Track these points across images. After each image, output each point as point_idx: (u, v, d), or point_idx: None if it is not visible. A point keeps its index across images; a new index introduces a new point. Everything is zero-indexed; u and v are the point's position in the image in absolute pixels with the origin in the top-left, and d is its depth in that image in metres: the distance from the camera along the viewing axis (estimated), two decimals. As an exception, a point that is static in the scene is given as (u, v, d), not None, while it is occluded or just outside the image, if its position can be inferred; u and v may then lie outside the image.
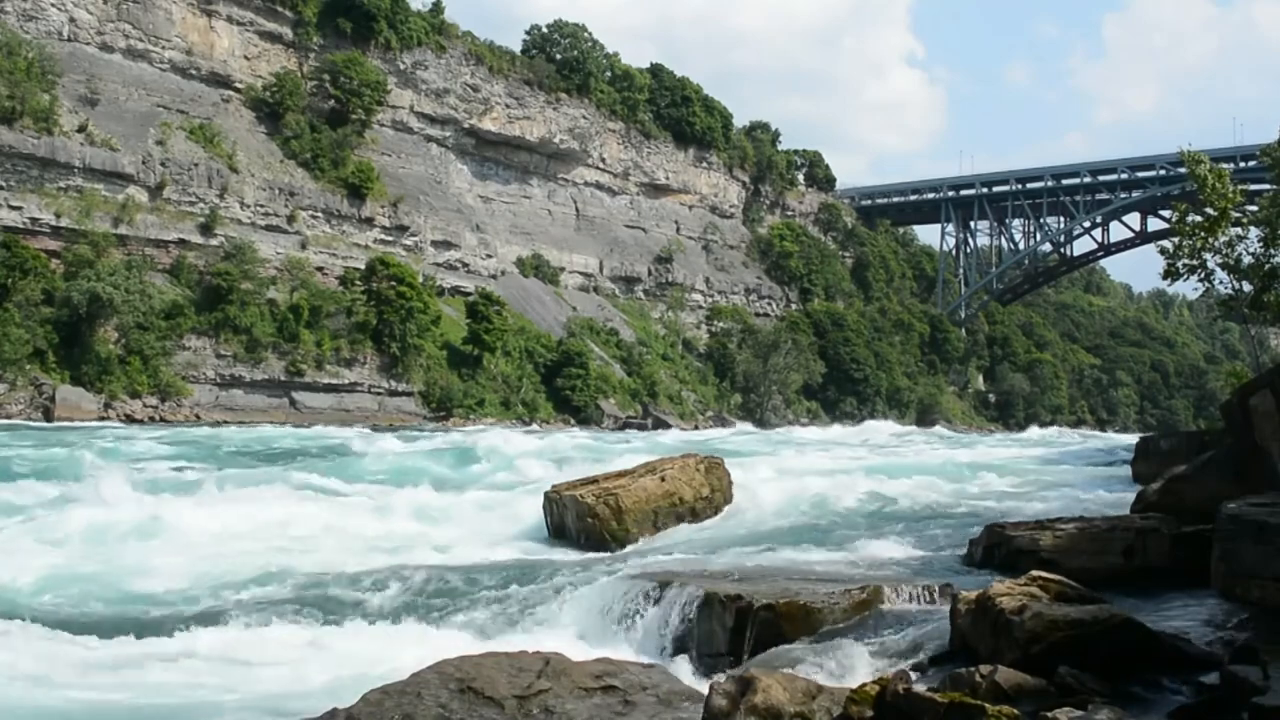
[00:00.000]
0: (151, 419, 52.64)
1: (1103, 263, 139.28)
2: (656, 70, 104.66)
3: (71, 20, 62.90)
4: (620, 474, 16.68)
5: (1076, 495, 19.22)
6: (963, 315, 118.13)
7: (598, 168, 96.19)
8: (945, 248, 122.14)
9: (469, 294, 77.03)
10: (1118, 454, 33.68)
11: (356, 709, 7.79)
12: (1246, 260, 25.03)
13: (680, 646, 9.44)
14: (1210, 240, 24.76)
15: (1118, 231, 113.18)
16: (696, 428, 74.66)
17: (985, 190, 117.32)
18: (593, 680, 8.43)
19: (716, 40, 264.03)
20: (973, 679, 6.84)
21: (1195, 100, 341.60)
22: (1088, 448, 43.73)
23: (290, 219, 68.22)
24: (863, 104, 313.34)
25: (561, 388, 75.22)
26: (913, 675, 7.44)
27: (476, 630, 10.52)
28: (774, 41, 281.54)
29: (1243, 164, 64.71)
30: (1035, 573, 8.77)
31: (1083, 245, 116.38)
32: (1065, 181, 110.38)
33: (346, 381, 64.93)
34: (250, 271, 61.50)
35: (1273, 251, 24.57)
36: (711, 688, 7.22)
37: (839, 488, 20.62)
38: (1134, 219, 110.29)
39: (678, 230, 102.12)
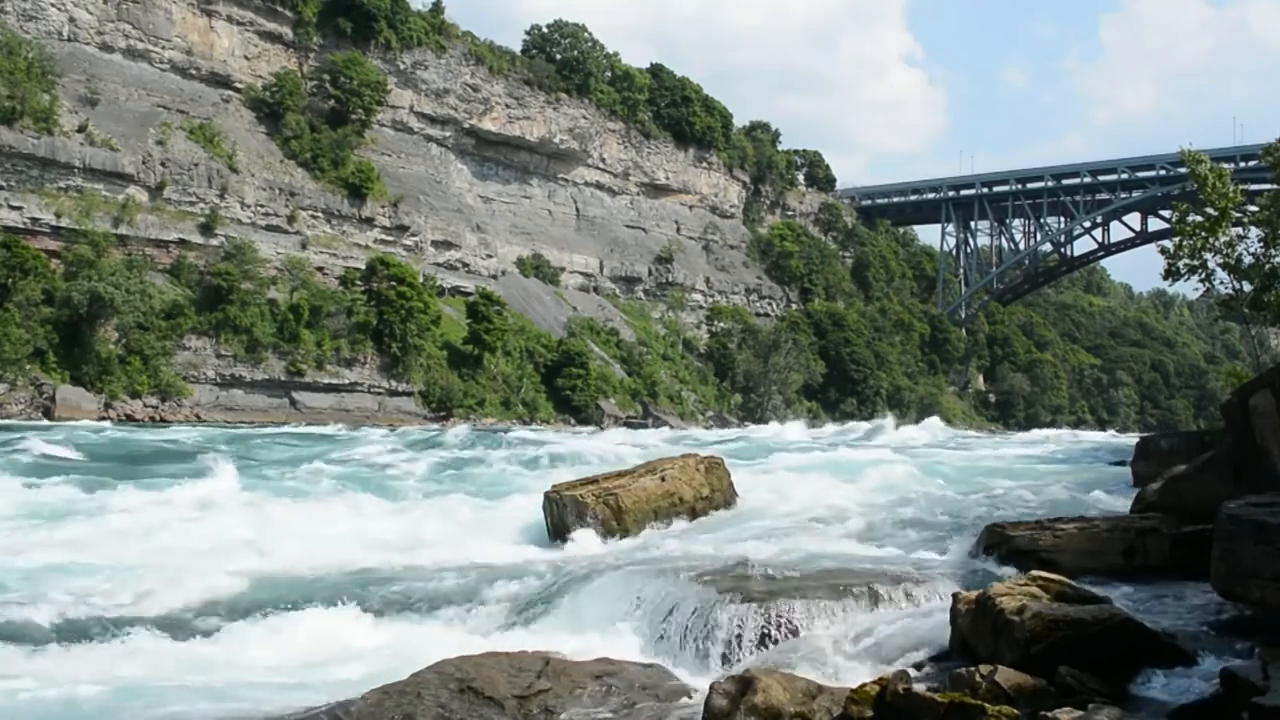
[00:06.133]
0: (151, 419, 52.65)
1: (1103, 263, 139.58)
2: (656, 70, 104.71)
3: (71, 20, 62.91)
4: (620, 474, 16.66)
5: (1076, 495, 19.20)
6: (963, 315, 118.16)
7: (598, 168, 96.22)
8: (945, 248, 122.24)
9: (469, 294, 77.05)
10: (1115, 453, 33.71)
11: (356, 708, 7.79)
12: (1247, 260, 25.05)
13: (680, 645, 9.44)
14: (1210, 240, 24.77)
15: (1118, 231, 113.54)
16: (708, 428, 74.54)
17: (985, 190, 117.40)
18: (592, 680, 8.43)
19: (713, 40, 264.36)
20: (973, 679, 6.84)
21: (1192, 101, 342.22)
22: (1088, 447, 43.73)
23: (290, 219, 68.23)
24: (861, 104, 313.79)
25: (562, 388, 75.23)
26: (913, 675, 7.44)
27: (476, 630, 10.51)
28: (770, 41, 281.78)
29: (1243, 164, 64.71)
30: (1035, 573, 8.78)
31: (1083, 245, 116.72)
32: (1065, 181, 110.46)
33: (347, 381, 64.95)
34: (250, 271, 61.52)
35: (1273, 251, 24.57)
36: (711, 687, 7.22)
37: (838, 487, 20.61)
38: (1134, 219, 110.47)
39: (678, 230, 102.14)
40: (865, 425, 62.10)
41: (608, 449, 31.03)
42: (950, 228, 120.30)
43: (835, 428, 66.90)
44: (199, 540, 14.97)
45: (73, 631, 10.30)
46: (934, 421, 68.79)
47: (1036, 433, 72.44)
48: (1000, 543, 11.74)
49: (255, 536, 15.27)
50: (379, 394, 66.49)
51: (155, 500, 18.33)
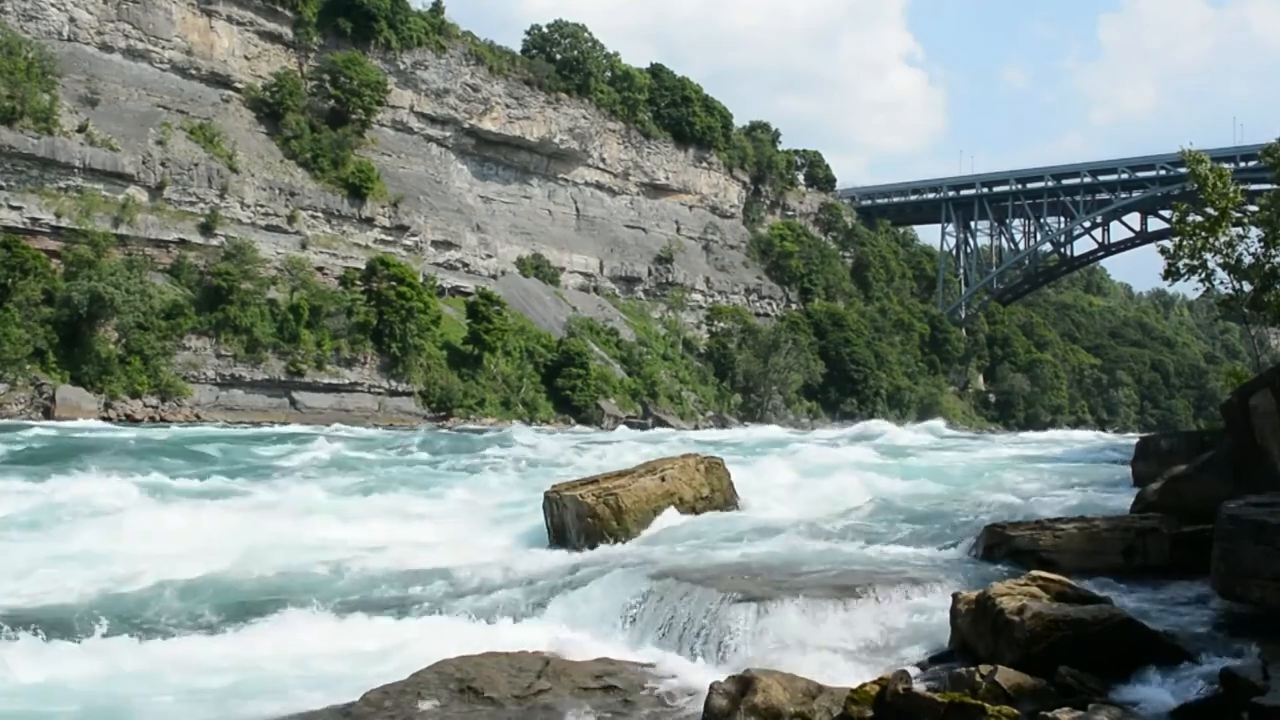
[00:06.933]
0: (151, 419, 52.65)
1: (1103, 263, 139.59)
2: (656, 70, 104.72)
3: (71, 20, 62.92)
4: (620, 474, 16.66)
5: (1076, 495, 19.21)
6: (963, 315, 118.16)
7: (598, 168, 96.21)
8: (945, 248, 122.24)
9: (469, 294, 77.05)
10: (1116, 454, 33.71)
11: (357, 708, 7.80)
12: (1247, 260, 25.05)
13: (680, 645, 9.44)
14: (1210, 240, 24.76)
15: (1118, 231, 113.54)
16: (696, 428, 74.65)
17: (985, 190, 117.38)
18: (592, 680, 8.44)
19: (713, 40, 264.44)
20: (973, 679, 6.85)
21: (1192, 101, 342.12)
22: (1088, 447, 43.74)
23: (290, 219, 68.24)
24: (861, 104, 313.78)
25: (562, 388, 75.22)
26: (913, 675, 7.44)
27: (474, 629, 10.51)
28: (770, 41, 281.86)
29: (1243, 164, 64.70)
30: (1035, 573, 8.78)
31: (1083, 245, 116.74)
32: (1065, 181, 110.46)
33: (347, 381, 64.95)
34: (250, 271, 61.52)
35: (1273, 251, 24.56)
36: (711, 687, 7.22)
37: (838, 487, 20.62)
38: (1134, 219, 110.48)
39: (678, 230, 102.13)
40: (853, 429, 62.54)
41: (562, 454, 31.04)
42: (950, 228, 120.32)
43: (836, 429, 67.18)
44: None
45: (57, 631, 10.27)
46: (936, 424, 69.28)
47: (1022, 434, 73.03)
48: (1000, 543, 11.74)
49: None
50: (379, 394, 66.49)
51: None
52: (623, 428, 66.35)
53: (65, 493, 18.85)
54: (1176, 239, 26.43)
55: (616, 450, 31.89)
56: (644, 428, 70.02)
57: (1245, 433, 11.87)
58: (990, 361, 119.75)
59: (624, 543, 14.72)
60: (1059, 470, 27.68)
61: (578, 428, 68.20)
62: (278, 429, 48.67)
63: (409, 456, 31.99)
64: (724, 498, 17.25)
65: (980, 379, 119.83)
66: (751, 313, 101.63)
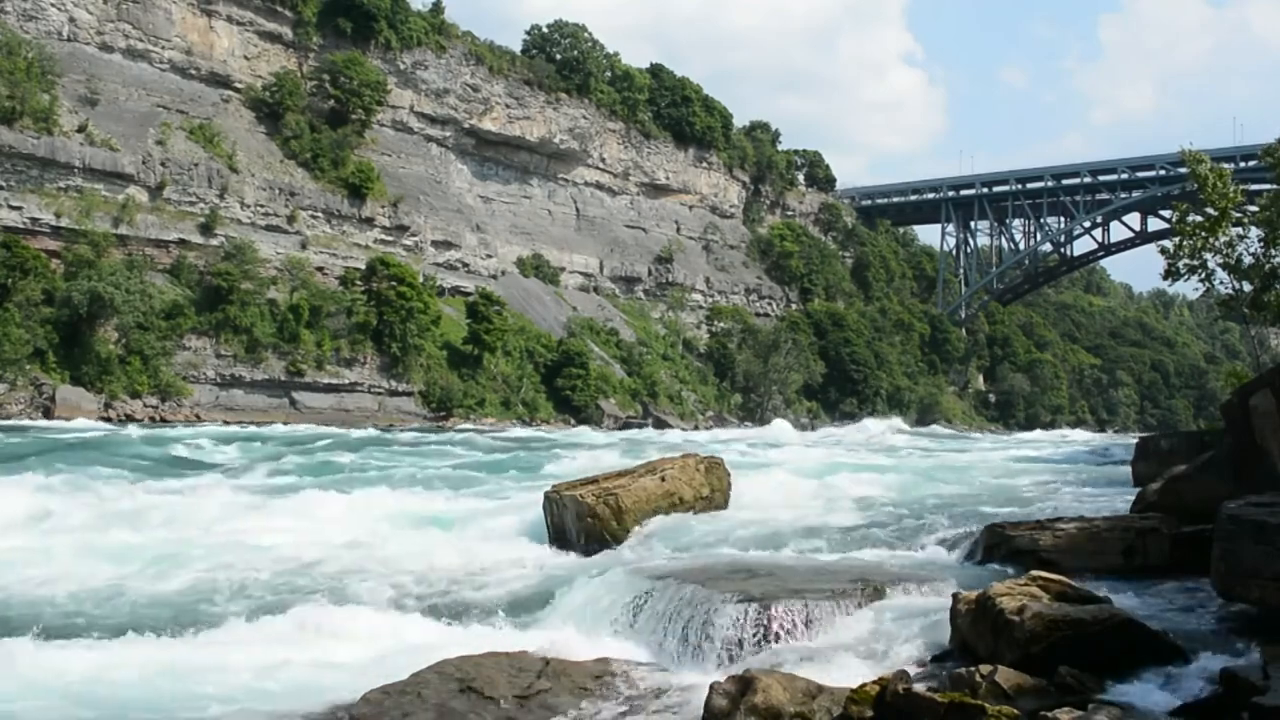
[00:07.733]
0: (151, 419, 52.63)
1: (1103, 263, 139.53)
2: (656, 70, 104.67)
3: (71, 20, 62.89)
4: (620, 474, 16.66)
5: (1076, 495, 19.23)
6: (963, 315, 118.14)
7: (598, 168, 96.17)
8: (945, 248, 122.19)
9: (469, 294, 77.01)
10: (1117, 453, 33.73)
11: (357, 708, 7.80)
12: (1247, 260, 25.08)
13: (680, 645, 9.44)
14: (1210, 240, 24.78)
15: (1118, 231, 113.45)
16: (697, 428, 74.64)
17: (985, 190, 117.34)
18: (592, 680, 8.45)
19: (713, 40, 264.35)
20: (973, 679, 6.85)
21: (1191, 101, 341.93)
22: (1074, 449, 43.75)
23: (290, 219, 68.20)
24: (861, 104, 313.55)
25: (562, 388, 75.20)
26: (913, 675, 7.44)
27: (476, 630, 10.51)
28: (770, 41, 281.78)
29: (1243, 164, 64.68)
30: (1035, 573, 8.79)
31: (1083, 245, 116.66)
32: (1065, 181, 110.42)
33: (347, 381, 64.91)
34: (250, 271, 61.47)
35: (1273, 251, 24.59)
36: (711, 687, 7.22)
37: (838, 487, 20.63)
38: (1134, 219, 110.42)
39: (678, 230, 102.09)
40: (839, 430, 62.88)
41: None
42: (950, 228, 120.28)
43: (836, 429, 67.20)
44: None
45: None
46: (931, 427, 69.74)
47: (1016, 436, 73.26)
48: (1000, 543, 11.75)
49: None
50: (379, 394, 66.45)
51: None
52: (611, 433, 66.31)
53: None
54: (1176, 239, 26.45)
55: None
56: (643, 427, 70.04)
57: (1245, 433, 11.87)
58: (990, 361, 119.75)
59: (624, 543, 14.73)
60: (1058, 470, 27.70)
61: (577, 428, 68.18)
62: (278, 429, 48.68)
63: (400, 453, 31.90)
64: (724, 498, 17.27)
65: (980, 379, 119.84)
66: (751, 313, 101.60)
